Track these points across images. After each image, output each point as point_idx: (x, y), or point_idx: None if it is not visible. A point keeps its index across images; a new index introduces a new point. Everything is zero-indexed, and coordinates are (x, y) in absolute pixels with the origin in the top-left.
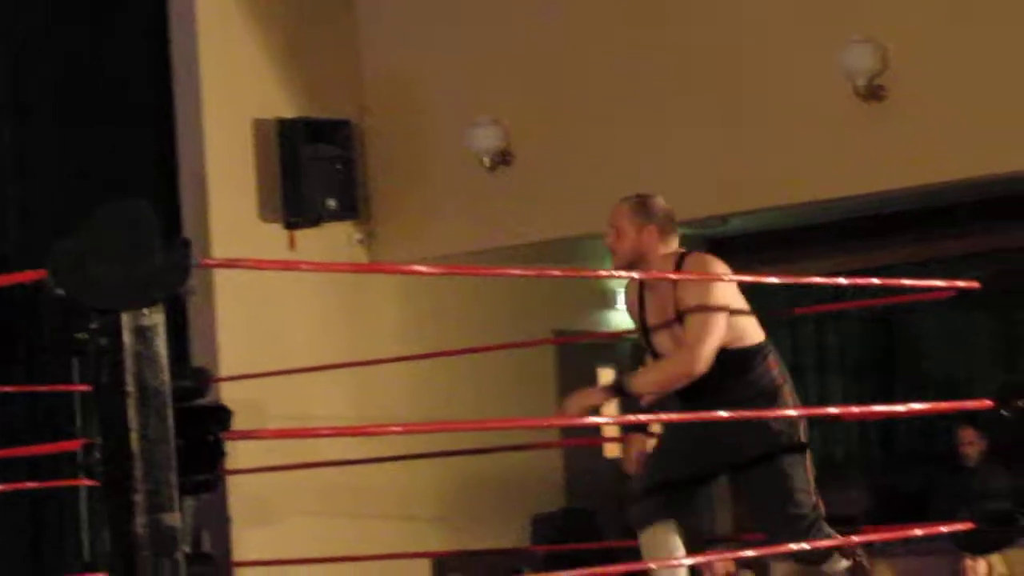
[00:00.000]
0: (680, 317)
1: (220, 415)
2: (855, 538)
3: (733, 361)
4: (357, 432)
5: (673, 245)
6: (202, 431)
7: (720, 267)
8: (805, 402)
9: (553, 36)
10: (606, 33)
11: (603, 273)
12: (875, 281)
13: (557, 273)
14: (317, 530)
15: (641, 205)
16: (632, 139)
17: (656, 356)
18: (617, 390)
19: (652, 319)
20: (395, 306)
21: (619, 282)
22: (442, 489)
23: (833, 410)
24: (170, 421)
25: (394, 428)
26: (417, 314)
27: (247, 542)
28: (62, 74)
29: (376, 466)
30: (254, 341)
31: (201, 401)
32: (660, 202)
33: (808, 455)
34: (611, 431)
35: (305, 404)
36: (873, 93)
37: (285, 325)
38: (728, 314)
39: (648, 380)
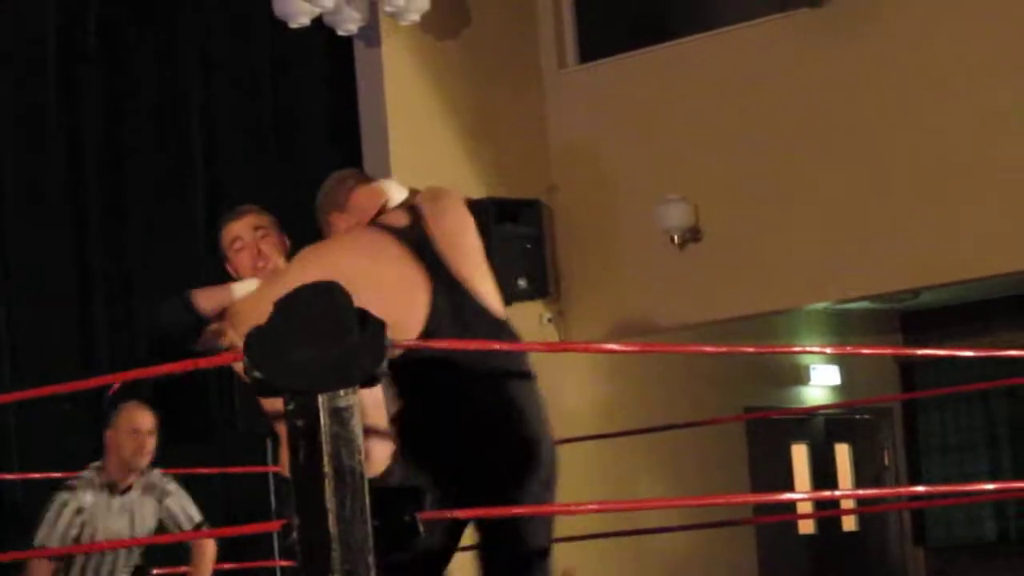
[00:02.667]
0: None
1: (414, 496)
2: None
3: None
4: (552, 511)
5: None
6: (397, 512)
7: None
8: (998, 475)
9: (740, 113)
10: (793, 111)
11: (795, 349)
12: None
13: (749, 349)
14: None
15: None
16: (820, 215)
17: None
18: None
19: None
20: (586, 385)
21: (811, 358)
22: (634, 569)
23: None
24: (367, 502)
25: (590, 507)
26: (608, 393)
27: None
28: (252, 166)
29: (568, 545)
30: None
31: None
32: None
33: None
34: (805, 508)
35: None
36: None
37: None
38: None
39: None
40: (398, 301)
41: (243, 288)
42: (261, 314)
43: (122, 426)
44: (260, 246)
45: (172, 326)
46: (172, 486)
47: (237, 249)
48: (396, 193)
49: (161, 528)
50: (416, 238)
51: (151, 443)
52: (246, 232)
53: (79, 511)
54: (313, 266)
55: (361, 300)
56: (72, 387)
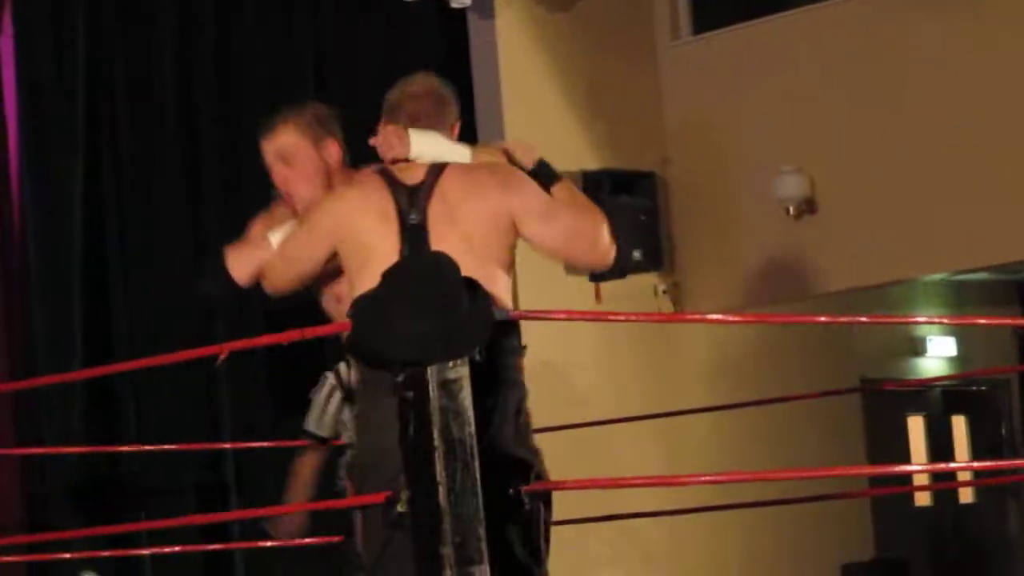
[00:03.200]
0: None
1: (522, 468)
2: None
3: None
4: (666, 482)
5: None
6: (504, 484)
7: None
8: None
9: (855, 84)
10: (909, 81)
11: (911, 319)
12: None
13: (863, 319)
14: None
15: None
16: (937, 186)
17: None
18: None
19: None
20: (702, 357)
21: (927, 329)
22: (750, 539)
23: None
24: (477, 474)
25: (704, 478)
26: (724, 364)
27: None
28: (366, 139)
29: (684, 517)
30: (560, 394)
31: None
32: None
33: None
34: (921, 480)
35: (612, 456)
36: None
37: (591, 378)
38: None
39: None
40: (373, 260)
41: (279, 238)
42: (281, 270)
43: None
44: (289, 180)
45: (212, 299)
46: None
47: (271, 171)
48: (432, 148)
49: None
50: (412, 196)
51: None
52: (271, 158)
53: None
54: (311, 227)
55: (344, 257)
56: (182, 356)
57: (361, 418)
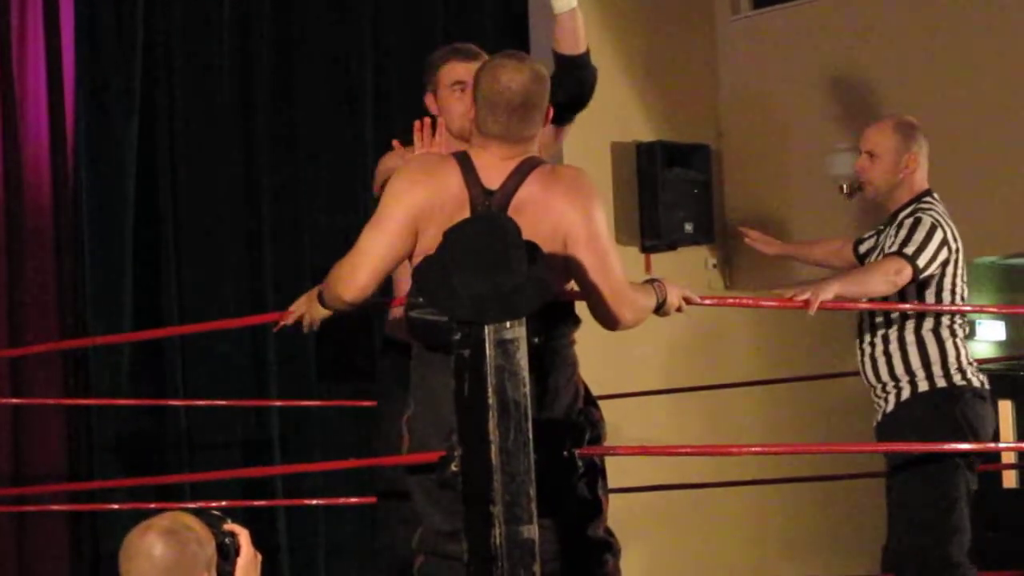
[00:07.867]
0: None
1: (575, 431)
2: None
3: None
4: (715, 452)
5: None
6: (557, 446)
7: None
8: None
9: (912, 63)
10: (964, 63)
11: (957, 308)
12: None
13: (907, 306)
14: (667, 552)
15: None
16: (988, 168)
17: None
18: None
19: None
20: (748, 330)
21: (976, 313)
22: (793, 514)
23: None
24: (529, 434)
25: (753, 448)
26: (770, 339)
27: None
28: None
29: (727, 490)
30: (608, 364)
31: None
32: None
33: None
34: None
35: (656, 428)
36: None
37: (639, 348)
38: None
39: None
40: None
41: None
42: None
43: None
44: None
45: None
46: None
47: (461, 91)
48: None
49: None
50: (487, 199)
51: None
52: (471, 78)
53: None
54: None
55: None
56: (237, 323)
57: (418, 379)
